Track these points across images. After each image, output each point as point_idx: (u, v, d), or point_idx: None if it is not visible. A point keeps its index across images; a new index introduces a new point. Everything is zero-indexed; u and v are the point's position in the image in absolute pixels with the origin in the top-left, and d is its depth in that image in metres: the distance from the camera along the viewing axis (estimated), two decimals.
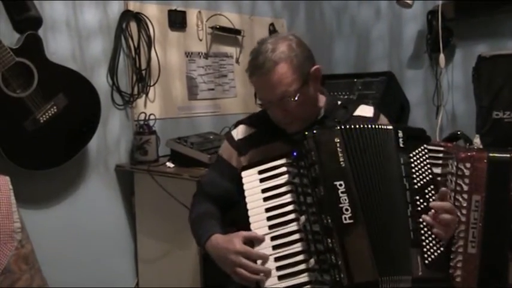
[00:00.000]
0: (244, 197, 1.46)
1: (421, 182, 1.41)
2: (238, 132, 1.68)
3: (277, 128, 1.58)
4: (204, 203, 1.65)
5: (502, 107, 2.28)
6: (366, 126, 1.42)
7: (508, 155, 1.67)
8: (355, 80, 2.94)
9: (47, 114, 2.09)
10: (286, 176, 1.44)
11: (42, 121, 2.08)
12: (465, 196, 1.66)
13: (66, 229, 2.34)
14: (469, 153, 1.67)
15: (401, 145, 1.43)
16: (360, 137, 1.40)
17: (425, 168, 1.42)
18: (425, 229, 1.37)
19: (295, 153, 1.42)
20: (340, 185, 1.34)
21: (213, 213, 1.61)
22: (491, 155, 1.67)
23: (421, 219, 1.37)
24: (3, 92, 1.97)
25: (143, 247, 2.55)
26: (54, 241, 2.28)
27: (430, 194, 1.41)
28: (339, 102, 1.67)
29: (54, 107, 2.11)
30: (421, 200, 1.39)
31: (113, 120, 2.51)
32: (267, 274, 1.36)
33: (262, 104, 1.58)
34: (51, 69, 2.11)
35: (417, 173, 1.42)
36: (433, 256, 1.35)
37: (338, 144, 1.38)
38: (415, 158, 1.43)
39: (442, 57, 2.75)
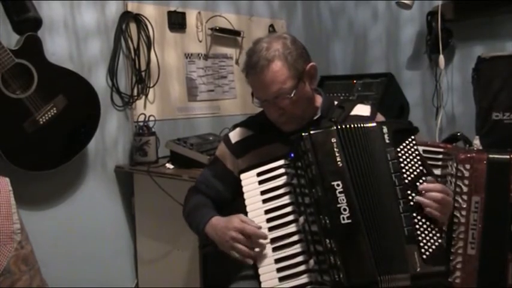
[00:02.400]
0: (243, 199, 1.46)
1: (412, 176, 1.39)
2: (236, 135, 1.68)
3: (275, 129, 1.59)
4: (198, 195, 1.68)
5: (501, 108, 2.27)
6: (356, 125, 1.42)
7: (508, 156, 1.67)
8: (355, 81, 2.94)
9: (46, 115, 2.08)
10: (285, 177, 1.45)
11: (41, 122, 2.07)
12: (465, 197, 1.66)
13: (65, 230, 2.34)
14: (468, 155, 1.68)
15: (387, 141, 1.41)
16: (355, 136, 1.40)
17: (415, 160, 1.40)
18: (420, 223, 1.35)
19: (292, 155, 1.42)
20: (338, 185, 1.35)
21: (208, 204, 1.64)
22: (490, 156, 1.67)
23: (415, 214, 1.36)
24: (3, 93, 1.97)
25: (143, 248, 2.55)
26: (54, 242, 2.28)
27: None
28: (336, 103, 1.68)
29: (54, 108, 2.11)
30: (413, 194, 1.38)
31: (112, 121, 2.51)
32: (263, 249, 1.39)
33: (258, 103, 1.57)
34: (50, 71, 2.11)
35: (407, 167, 1.40)
36: (430, 250, 1.34)
37: (335, 145, 1.38)
38: (402, 151, 1.41)
39: (441, 58, 2.75)
